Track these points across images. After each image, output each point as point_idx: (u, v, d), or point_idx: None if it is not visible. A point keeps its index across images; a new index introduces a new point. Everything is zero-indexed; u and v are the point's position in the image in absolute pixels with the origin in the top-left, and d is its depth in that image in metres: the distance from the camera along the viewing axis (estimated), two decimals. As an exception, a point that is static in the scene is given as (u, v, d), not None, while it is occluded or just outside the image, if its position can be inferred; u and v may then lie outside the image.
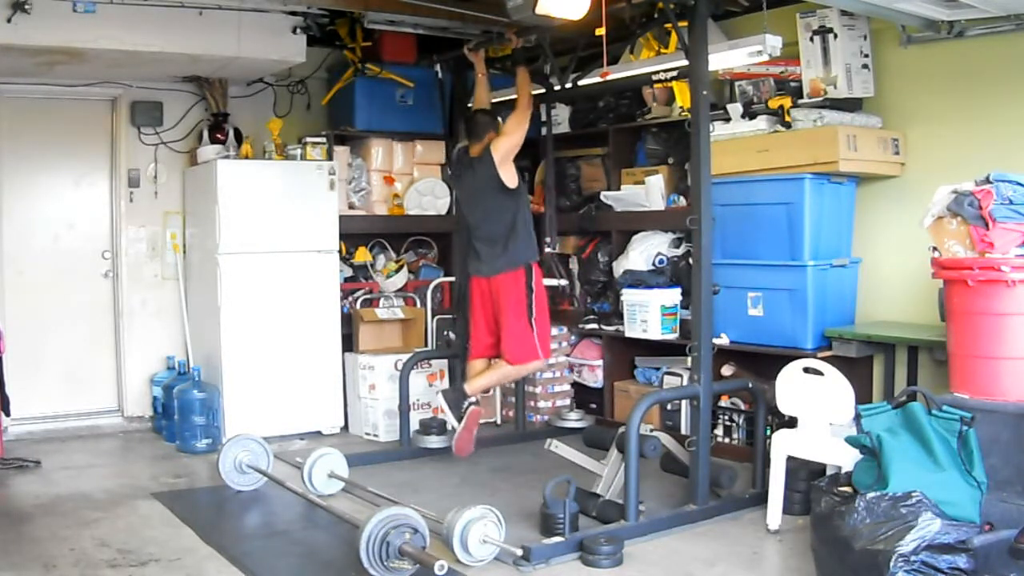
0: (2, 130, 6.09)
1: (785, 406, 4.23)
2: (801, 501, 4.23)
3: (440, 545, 3.69)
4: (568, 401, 6.44)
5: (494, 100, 5.57)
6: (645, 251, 5.94)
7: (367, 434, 6.06)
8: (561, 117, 6.68)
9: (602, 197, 6.27)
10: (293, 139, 6.19)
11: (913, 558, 3.02)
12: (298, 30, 5.65)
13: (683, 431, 5.40)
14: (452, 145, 6.12)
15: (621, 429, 4.22)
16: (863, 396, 4.62)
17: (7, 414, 5.62)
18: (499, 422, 6.47)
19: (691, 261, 4.66)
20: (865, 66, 5.03)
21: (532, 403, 6.31)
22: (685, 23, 4.35)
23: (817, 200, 4.96)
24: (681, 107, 5.72)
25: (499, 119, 5.28)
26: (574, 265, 6.64)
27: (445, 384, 6.12)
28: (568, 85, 5.40)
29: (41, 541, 4.07)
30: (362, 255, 6.58)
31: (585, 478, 4.39)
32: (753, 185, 5.14)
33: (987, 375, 3.68)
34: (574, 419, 6.07)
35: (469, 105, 5.60)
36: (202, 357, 6.18)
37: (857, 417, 3.61)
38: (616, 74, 4.94)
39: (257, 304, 5.91)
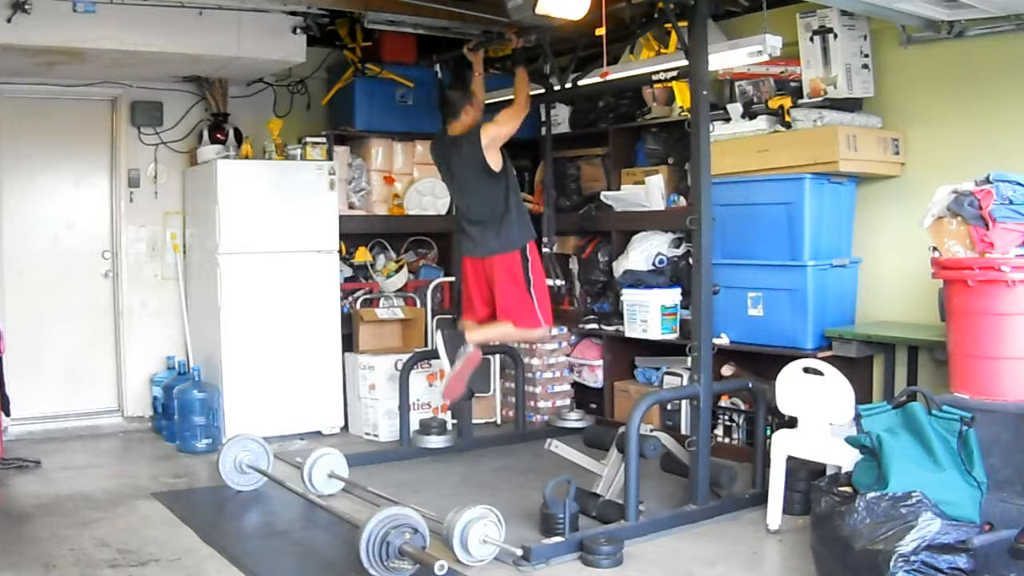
0: (2, 130, 6.09)
1: (785, 406, 4.23)
2: (801, 501, 4.23)
3: (440, 545, 3.68)
4: (568, 401, 6.44)
5: (494, 100, 5.56)
6: (645, 251, 5.94)
7: (367, 434, 6.06)
8: (561, 117, 6.69)
9: (602, 197, 6.27)
10: (293, 139, 6.19)
11: (913, 558, 3.02)
12: (298, 30, 5.65)
13: (683, 431, 5.39)
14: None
15: (621, 429, 4.22)
16: (863, 396, 4.62)
17: (7, 414, 5.62)
18: (499, 422, 6.47)
19: (691, 261, 4.66)
20: (865, 66, 5.03)
21: (532, 403, 6.31)
22: (685, 23, 4.35)
23: (817, 200, 4.96)
24: (681, 107, 5.73)
25: (472, 92, 5.16)
26: (574, 265, 6.65)
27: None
28: (568, 85, 5.40)
29: (41, 541, 4.07)
30: (362, 255, 6.58)
31: (585, 478, 4.39)
32: (753, 185, 5.14)
33: (987, 375, 3.67)
34: (574, 419, 6.07)
35: (442, 87, 5.43)
36: (202, 357, 6.18)
37: (857, 417, 3.61)
38: (616, 74, 4.94)
39: (257, 304, 5.91)
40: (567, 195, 6.69)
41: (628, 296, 5.82)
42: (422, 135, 6.67)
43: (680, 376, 5.53)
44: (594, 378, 6.33)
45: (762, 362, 5.16)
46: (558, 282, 6.12)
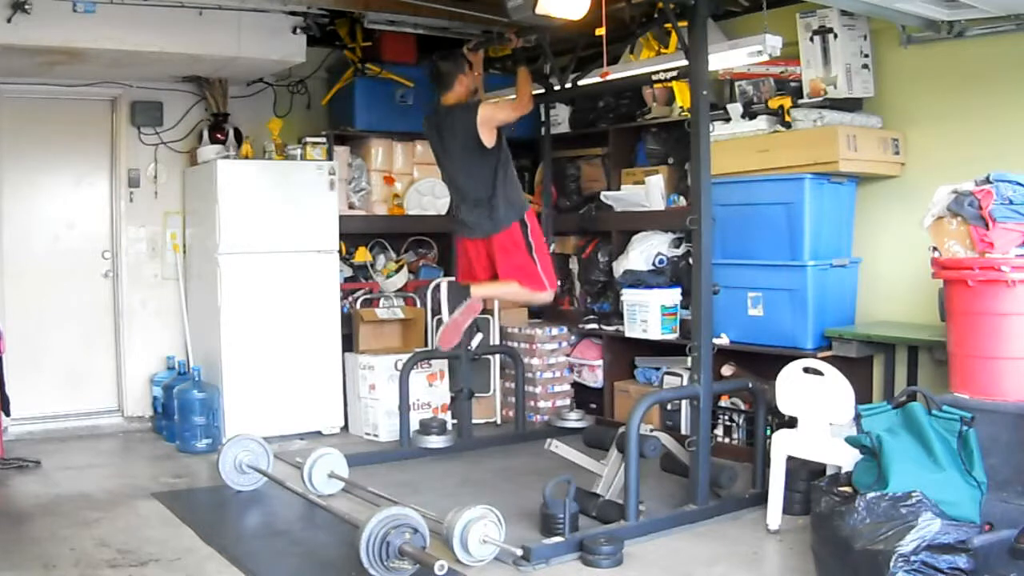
0: (2, 130, 6.09)
1: (785, 406, 4.23)
2: (801, 501, 4.22)
3: (440, 545, 3.68)
4: (568, 401, 6.44)
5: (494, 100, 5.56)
6: (645, 251, 5.94)
7: (367, 434, 6.05)
8: (561, 117, 6.68)
9: (602, 197, 6.27)
10: (293, 139, 6.19)
11: (913, 558, 3.02)
12: (298, 30, 5.65)
13: (683, 431, 5.39)
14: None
15: (621, 429, 4.21)
16: (863, 396, 4.62)
17: (7, 414, 5.61)
18: (499, 422, 6.47)
19: (691, 261, 4.66)
20: (865, 66, 5.03)
21: (532, 403, 6.31)
22: (685, 23, 4.34)
23: (817, 200, 4.96)
24: (681, 107, 5.73)
25: (463, 59, 5.04)
26: (574, 265, 6.65)
27: (445, 383, 6.13)
28: (568, 85, 5.40)
29: (41, 541, 4.07)
30: (362, 255, 6.58)
31: (585, 478, 4.39)
32: (753, 185, 5.14)
33: (987, 375, 3.67)
34: (574, 419, 6.06)
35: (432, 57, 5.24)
36: (202, 357, 6.18)
37: (857, 417, 3.61)
38: (616, 74, 4.94)
39: (257, 304, 5.91)
40: (567, 195, 6.69)
41: (628, 296, 5.82)
42: (422, 135, 6.64)
43: (680, 376, 5.53)
44: (594, 378, 6.33)
45: (762, 362, 5.16)
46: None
